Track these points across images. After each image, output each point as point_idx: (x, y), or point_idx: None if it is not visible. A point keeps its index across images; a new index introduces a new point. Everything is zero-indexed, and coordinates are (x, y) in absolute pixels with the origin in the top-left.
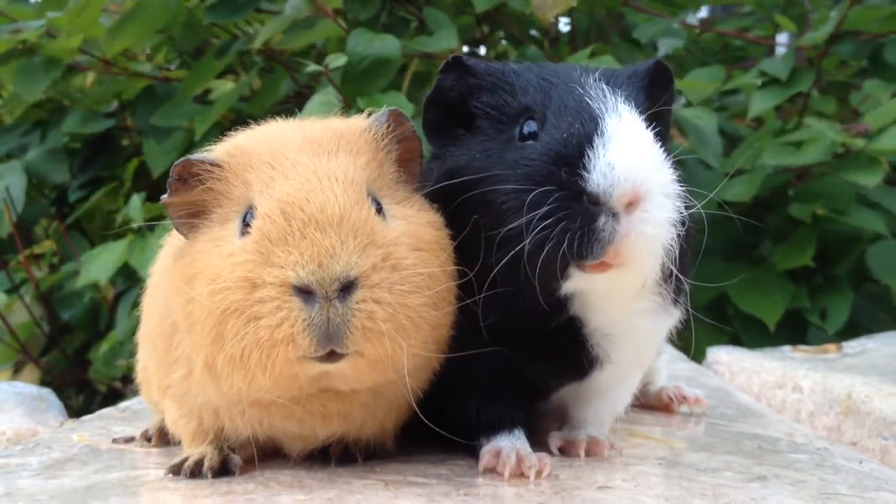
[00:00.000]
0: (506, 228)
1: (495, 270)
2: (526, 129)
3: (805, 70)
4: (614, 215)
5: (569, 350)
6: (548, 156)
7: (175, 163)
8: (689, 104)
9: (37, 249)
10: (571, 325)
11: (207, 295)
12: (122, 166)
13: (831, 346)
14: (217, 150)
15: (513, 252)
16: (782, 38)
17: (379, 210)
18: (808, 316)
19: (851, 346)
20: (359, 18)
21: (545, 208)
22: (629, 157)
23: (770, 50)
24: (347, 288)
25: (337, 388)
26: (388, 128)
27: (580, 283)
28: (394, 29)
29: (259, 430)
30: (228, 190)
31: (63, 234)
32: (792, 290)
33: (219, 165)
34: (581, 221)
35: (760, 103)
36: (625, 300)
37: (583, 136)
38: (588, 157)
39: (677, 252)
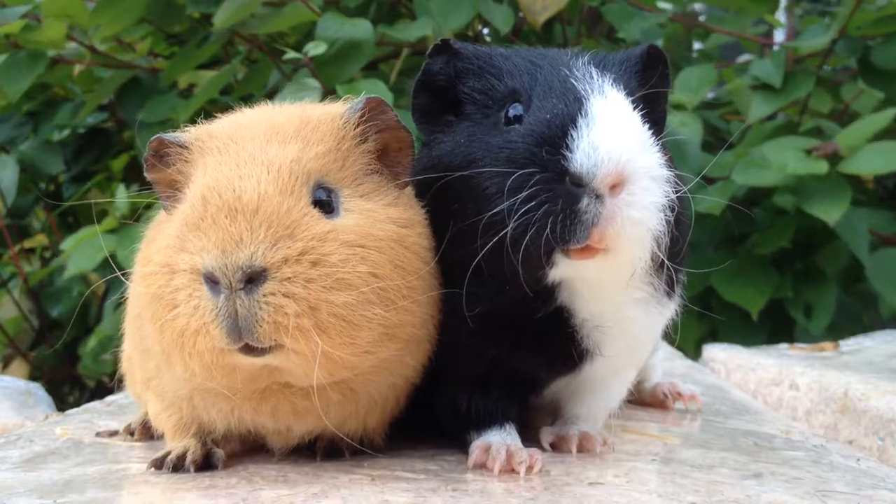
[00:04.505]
0: (489, 214)
1: (479, 257)
2: (511, 113)
3: (802, 75)
4: (598, 197)
5: (558, 342)
6: (530, 137)
7: (151, 139)
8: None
9: (28, 244)
10: (559, 315)
11: (141, 278)
12: (115, 159)
13: (828, 345)
14: (189, 132)
15: (496, 238)
16: (778, 35)
17: (323, 202)
18: (793, 312)
19: (848, 344)
20: (349, 6)
21: (527, 191)
22: (614, 138)
23: (763, 47)
24: (254, 279)
25: (293, 383)
26: (361, 116)
27: (567, 271)
28: (381, 21)
29: (233, 423)
30: (190, 172)
31: (53, 228)
32: (776, 280)
33: (186, 147)
34: (563, 203)
35: (759, 110)
36: (614, 289)
37: (566, 116)
38: (571, 137)
39: (668, 239)
